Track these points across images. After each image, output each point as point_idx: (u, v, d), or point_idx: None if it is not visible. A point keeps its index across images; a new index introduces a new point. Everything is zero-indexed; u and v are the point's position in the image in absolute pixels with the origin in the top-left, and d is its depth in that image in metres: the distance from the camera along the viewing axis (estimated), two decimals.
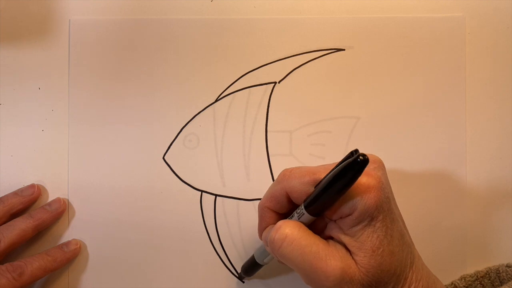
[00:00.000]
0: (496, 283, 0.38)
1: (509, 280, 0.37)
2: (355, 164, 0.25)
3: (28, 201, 0.39)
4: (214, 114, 0.40)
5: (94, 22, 0.40)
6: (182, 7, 0.40)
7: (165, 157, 0.40)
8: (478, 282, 0.38)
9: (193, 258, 0.40)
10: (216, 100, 0.40)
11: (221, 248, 0.40)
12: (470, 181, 0.40)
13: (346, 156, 0.27)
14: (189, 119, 0.40)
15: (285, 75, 0.40)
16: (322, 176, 0.28)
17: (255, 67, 0.40)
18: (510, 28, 0.40)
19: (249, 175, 0.40)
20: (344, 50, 0.40)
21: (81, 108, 0.40)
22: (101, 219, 0.40)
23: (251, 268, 0.37)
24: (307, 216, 0.29)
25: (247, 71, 0.40)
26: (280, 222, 0.29)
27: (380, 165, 0.30)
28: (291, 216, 0.31)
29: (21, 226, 0.37)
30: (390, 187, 0.30)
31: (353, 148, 0.28)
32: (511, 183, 0.40)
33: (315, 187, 0.29)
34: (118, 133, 0.40)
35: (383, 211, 0.28)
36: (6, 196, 0.39)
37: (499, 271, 0.38)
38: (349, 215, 0.28)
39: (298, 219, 0.30)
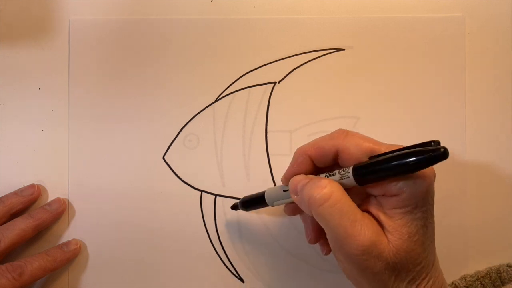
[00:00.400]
0: (497, 283, 0.38)
1: (510, 280, 0.37)
2: (437, 154, 0.25)
3: (28, 201, 0.39)
4: (214, 114, 0.40)
5: (94, 22, 0.40)
6: (182, 7, 0.40)
7: (165, 157, 0.40)
8: (479, 282, 0.38)
9: (193, 258, 0.40)
10: (216, 100, 0.40)
11: (221, 248, 0.40)
12: (470, 181, 0.40)
13: (423, 143, 0.27)
14: (189, 119, 0.40)
15: (285, 75, 0.40)
16: (382, 151, 0.28)
17: (255, 67, 0.40)
18: (510, 28, 0.40)
19: (249, 175, 0.40)
20: (344, 50, 0.40)
21: (81, 108, 0.40)
22: (101, 219, 0.40)
23: (254, 203, 0.36)
24: (350, 181, 0.28)
25: (247, 71, 0.40)
26: (326, 181, 0.29)
27: None
28: (331, 173, 0.30)
29: (21, 226, 0.37)
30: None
31: None
32: (511, 182, 0.40)
33: (369, 158, 0.28)
34: (118, 133, 0.40)
35: (428, 203, 0.28)
36: (6, 196, 0.39)
37: (500, 271, 0.38)
38: (395, 195, 0.28)
39: (339, 180, 0.29)
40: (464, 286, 0.38)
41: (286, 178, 0.33)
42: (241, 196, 0.39)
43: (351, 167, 0.29)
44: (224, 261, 0.40)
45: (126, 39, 0.40)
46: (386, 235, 0.28)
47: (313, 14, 0.40)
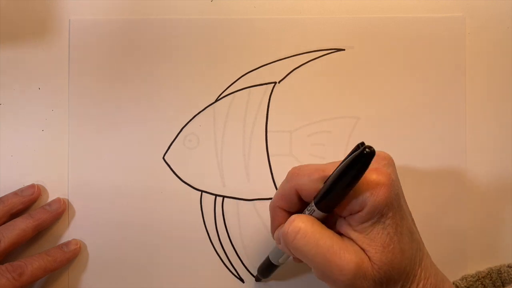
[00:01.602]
0: (498, 284, 0.38)
1: (511, 281, 0.37)
2: (361, 157, 0.25)
3: (28, 201, 0.39)
4: (214, 114, 0.40)
5: (94, 22, 0.40)
6: (182, 7, 0.40)
7: (165, 157, 0.40)
8: (480, 283, 0.38)
9: (193, 258, 0.40)
10: (216, 100, 0.40)
11: (221, 248, 0.40)
12: (470, 181, 0.40)
13: (353, 149, 0.27)
14: (189, 119, 0.40)
15: (285, 75, 0.40)
16: (331, 173, 0.28)
17: (255, 67, 0.40)
18: (510, 28, 0.40)
19: (249, 175, 0.40)
20: (344, 50, 0.40)
21: (81, 108, 0.40)
22: (101, 219, 0.40)
23: (266, 269, 0.37)
24: (318, 213, 0.29)
25: (247, 71, 0.40)
26: (294, 216, 0.29)
27: (390, 162, 0.30)
28: (302, 213, 0.31)
29: (21, 226, 0.37)
30: (399, 183, 0.30)
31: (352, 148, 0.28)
32: (511, 182, 0.40)
33: (324, 183, 0.29)
34: (118, 133, 0.40)
35: (393, 208, 0.28)
36: (6, 196, 0.39)
37: (501, 271, 0.38)
38: (359, 211, 0.28)
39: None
40: (465, 286, 0.38)
41: (273, 235, 0.33)
42: (241, 196, 0.39)
43: (313, 201, 0.29)
44: (224, 261, 0.40)
45: (126, 39, 0.40)
46: (364, 252, 0.28)
47: (313, 14, 0.40)
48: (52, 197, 0.40)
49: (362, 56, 0.40)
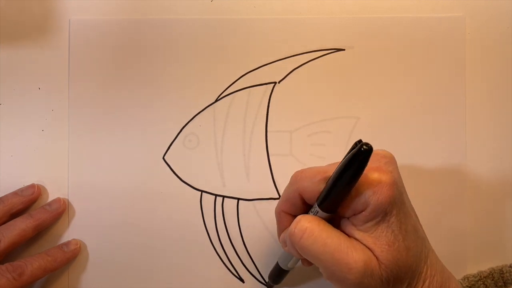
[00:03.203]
0: (500, 284, 0.38)
1: None
2: (359, 154, 0.25)
3: (28, 201, 0.39)
4: (214, 114, 0.40)
5: (94, 22, 0.40)
6: (182, 7, 0.40)
7: (165, 157, 0.40)
8: (482, 283, 0.38)
9: (193, 258, 0.40)
10: (216, 100, 0.40)
11: (221, 248, 0.40)
12: (471, 180, 0.40)
13: (352, 147, 0.27)
14: (189, 119, 0.40)
15: (285, 75, 0.40)
16: (330, 173, 0.28)
17: (255, 67, 0.40)
18: (510, 28, 0.40)
19: (249, 175, 0.40)
20: (344, 50, 0.40)
21: (81, 108, 0.40)
22: (101, 219, 0.40)
23: (277, 275, 0.37)
24: (321, 214, 0.29)
25: (247, 71, 0.40)
26: (300, 216, 0.29)
27: (392, 160, 0.30)
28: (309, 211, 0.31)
29: (21, 226, 0.37)
30: (402, 181, 0.30)
31: None
32: (511, 183, 0.40)
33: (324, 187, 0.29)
34: (118, 133, 0.40)
35: (397, 206, 0.28)
36: (6, 196, 0.39)
37: (503, 271, 0.38)
38: (362, 211, 0.28)
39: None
40: (467, 286, 0.38)
41: (279, 239, 0.33)
42: (241, 196, 0.39)
43: (316, 203, 0.29)
44: (224, 261, 0.40)
45: (126, 39, 0.40)
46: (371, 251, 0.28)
47: (313, 14, 0.40)
48: (52, 197, 0.40)
49: (362, 56, 0.40)
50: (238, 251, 0.40)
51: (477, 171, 0.40)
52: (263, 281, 0.40)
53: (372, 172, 0.28)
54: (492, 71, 0.40)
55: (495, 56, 0.40)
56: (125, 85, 0.40)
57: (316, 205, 0.29)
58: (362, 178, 0.27)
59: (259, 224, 0.40)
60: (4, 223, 0.38)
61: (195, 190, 0.40)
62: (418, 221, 0.31)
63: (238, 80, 0.40)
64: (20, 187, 0.39)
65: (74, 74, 0.40)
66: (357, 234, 0.28)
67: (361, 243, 0.28)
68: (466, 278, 0.38)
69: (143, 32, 0.40)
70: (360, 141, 0.27)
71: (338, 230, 0.29)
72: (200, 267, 0.40)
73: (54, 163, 0.40)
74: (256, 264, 0.40)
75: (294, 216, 0.31)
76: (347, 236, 0.29)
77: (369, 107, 0.40)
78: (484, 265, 0.39)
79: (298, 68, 0.40)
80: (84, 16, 0.40)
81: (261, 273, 0.40)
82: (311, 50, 0.40)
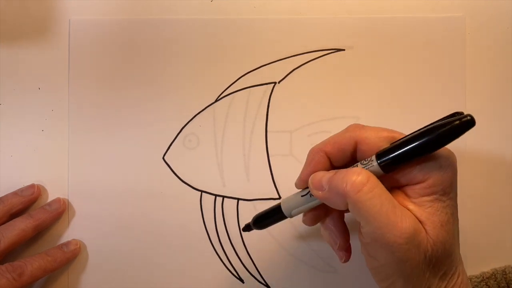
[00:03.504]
0: (503, 284, 0.38)
1: None
2: (463, 122, 0.24)
3: (28, 201, 0.39)
4: (214, 114, 0.40)
5: (94, 22, 0.40)
6: (182, 7, 0.40)
7: (165, 157, 0.40)
8: (484, 283, 0.38)
9: (192, 258, 0.40)
10: (216, 100, 0.40)
11: (221, 248, 0.40)
12: (471, 181, 0.39)
13: (446, 116, 0.26)
14: (189, 119, 0.40)
15: (285, 75, 0.40)
16: (399, 137, 0.27)
17: (255, 67, 0.40)
18: (510, 28, 0.40)
19: (249, 175, 0.40)
20: (344, 50, 0.40)
21: (81, 108, 0.40)
22: (101, 219, 0.40)
23: (268, 217, 0.33)
24: (375, 169, 0.27)
25: (247, 71, 0.40)
26: (359, 168, 0.27)
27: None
28: (352, 166, 0.29)
29: (21, 226, 0.37)
30: None
31: None
32: (511, 183, 0.40)
33: (390, 144, 0.27)
34: (118, 133, 0.40)
35: (454, 190, 0.27)
36: (6, 196, 0.39)
37: (505, 272, 0.38)
38: (420, 182, 0.27)
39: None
40: None
41: (303, 180, 0.31)
42: (241, 196, 0.39)
43: (374, 155, 0.27)
44: (224, 261, 0.40)
45: (126, 39, 0.40)
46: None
47: (313, 14, 0.40)
48: (52, 197, 0.40)
49: (362, 56, 0.40)
50: (238, 251, 0.40)
51: (477, 172, 0.40)
52: (263, 281, 0.40)
53: (443, 148, 0.26)
54: (492, 71, 0.40)
55: (495, 56, 0.40)
56: (125, 85, 0.40)
57: (374, 158, 0.27)
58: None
59: None
60: (4, 223, 0.38)
61: (195, 190, 0.40)
62: None
63: (238, 80, 0.40)
64: (20, 187, 0.39)
65: (74, 74, 0.40)
66: (410, 205, 0.27)
67: (415, 215, 0.27)
68: (469, 279, 0.38)
69: (143, 32, 0.40)
70: (461, 113, 0.25)
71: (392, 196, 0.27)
72: (200, 267, 0.40)
73: (54, 163, 0.40)
74: (256, 264, 0.39)
75: (330, 162, 0.30)
76: (398, 203, 0.27)
77: (369, 107, 0.40)
78: (484, 266, 0.39)
79: (298, 68, 0.40)
80: (84, 16, 0.40)
81: (261, 273, 0.40)
82: (311, 50, 0.40)
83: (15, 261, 0.36)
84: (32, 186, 0.39)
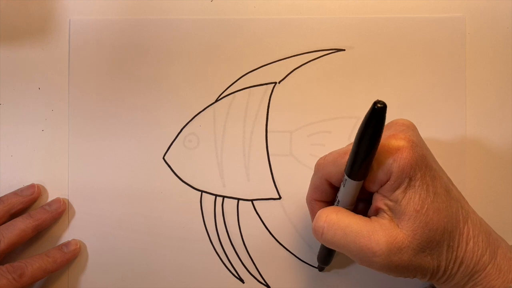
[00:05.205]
0: None
1: None
2: (374, 113, 0.25)
3: (28, 201, 0.39)
4: (214, 114, 0.40)
5: (94, 22, 0.40)
6: (182, 7, 0.40)
7: (165, 157, 0.40)
8: None
9: (192, 258, 0.40)
10: (216, 100, 0.40)
11: (221, 248, 0.40)
12: (471, 181, 0.40)
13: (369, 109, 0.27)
14: (189, 119, 0.40)
15: (285, 75, 0.40)
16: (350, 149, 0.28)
17: (255, 67, 0.40)
18: (510, 28, 0.40)
19: (249, 175, 0.40)
20: (344, 50, 0.40)
21: (81, 108, 0.40)
22: (101, 219, 0.40)
23: (324, 256, 0.37)
24: (352, 184, 0.29)
25: (247, 71, 0.40)
26: (319, 211, 0.30)
27: (410, 126, 0.30)
28: (336, 196, 0.31)
29: (20, 226, 0.37)
30: (425, 145, 0.30)
31: None
32: (511, 184, 0.40)
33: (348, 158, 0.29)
34: (118, 133, 0.40)
35: (421, 169, 0.28)
36: (6, 196, 0.39)
37: None
38: (387, 181, 0.28)
39: (344, 191, 0.30)
40: None
41: None
42: (241, 196, 0.39)
43: (345, 175, 0.29)
44: (224, 261, 0.40)
45: (126, 39, 0.40)
46: (398, 226, 0.28)
47: (313, 14, 0.40)
48: (52, 197, 0.40)
49: (362, 56, 0.40)
50: (238, 251, 0.40)
51: (477, 172, 0.40)
52: (263, 281, 0.40)
53: (390, 140, 0.28)
54: (492, 71, 0.40)
55: (495, 56, 0.40)
56: (125, 85, 0.40)
57: (346, 176, 0.29)
58: (382, 148, 0.27)
59: (259, 224, 0.40)
60: (4, 223, 0.38)
61: (195, 190, 0.40)
62: (452, 183, 0.31)
63: (238, 80, 0.40)
64: (20, 187, 0.39)
65: (74, 74, 0.40)
66: (388, 204, 0.29)
67: (393, 213, 0.28)
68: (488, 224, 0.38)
69: (143, 32, 0.40)
70: (377, 101, 0.27)
71: (358, 216, 0.29)
72: (200, 267, 0.40)
73: (54, 163, 0.40)
74: (256, 264, 0.39)
75: (326, 202, 0.32)
76: (367, 219, 0.29)
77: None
78: None
79: (298, 68, 0.40)
80: (84, 16, 0.40)
81: (261, 273, 0.40)
82: (311, 50, 0.40)
83: (16, 262, 0.36)
84: (32, 186, 0.39)
